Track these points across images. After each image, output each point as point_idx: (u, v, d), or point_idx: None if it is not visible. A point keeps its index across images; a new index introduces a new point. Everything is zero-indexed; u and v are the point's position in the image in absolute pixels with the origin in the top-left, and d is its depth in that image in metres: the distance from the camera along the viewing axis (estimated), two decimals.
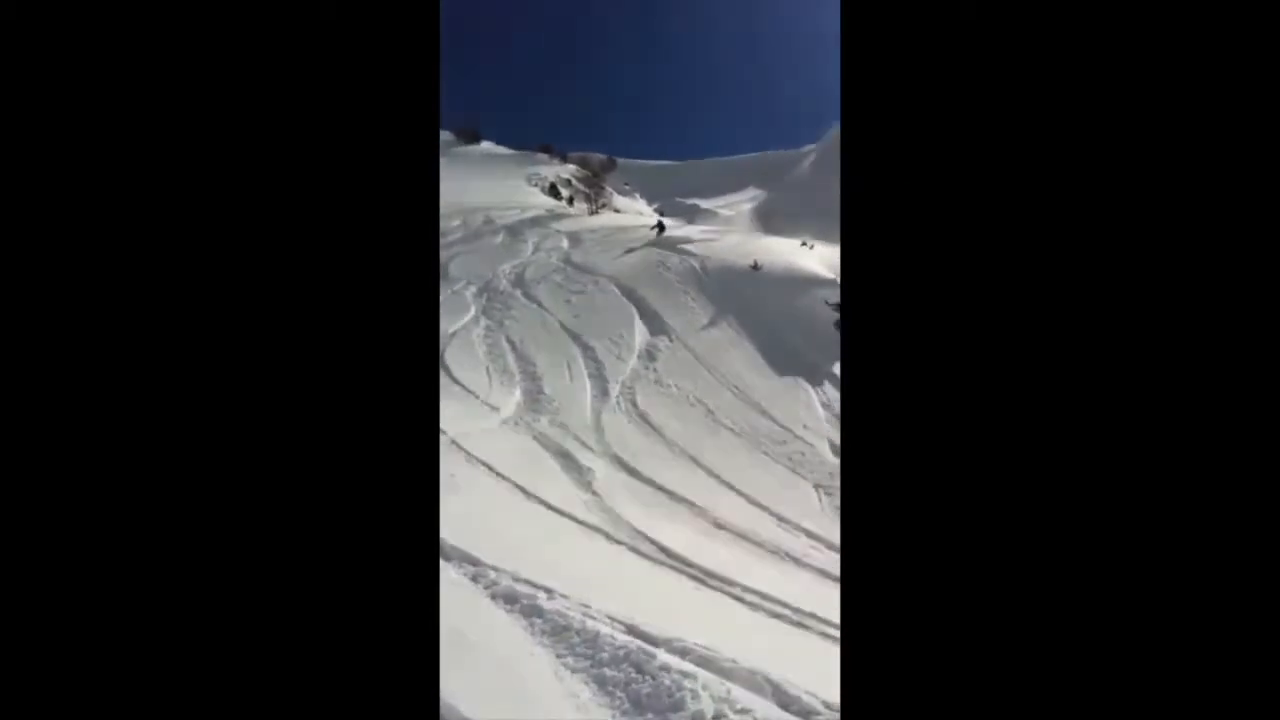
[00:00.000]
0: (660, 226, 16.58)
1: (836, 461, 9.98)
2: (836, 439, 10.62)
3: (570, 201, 31.94)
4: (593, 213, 28.45)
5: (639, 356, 12.77)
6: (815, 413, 11.31)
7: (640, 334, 13.66)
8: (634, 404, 11.04)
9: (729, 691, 3.14)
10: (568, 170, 41.01)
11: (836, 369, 12.60)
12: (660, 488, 8.25)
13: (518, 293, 15.35)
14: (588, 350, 12.79)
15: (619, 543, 6.07)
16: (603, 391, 11.32)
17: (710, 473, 9.12)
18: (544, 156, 44.80)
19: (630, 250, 18.26)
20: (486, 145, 46.81)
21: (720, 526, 7.43)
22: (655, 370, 12.32)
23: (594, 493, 7.52)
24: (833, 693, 3.22)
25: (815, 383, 12.23)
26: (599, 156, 51.40)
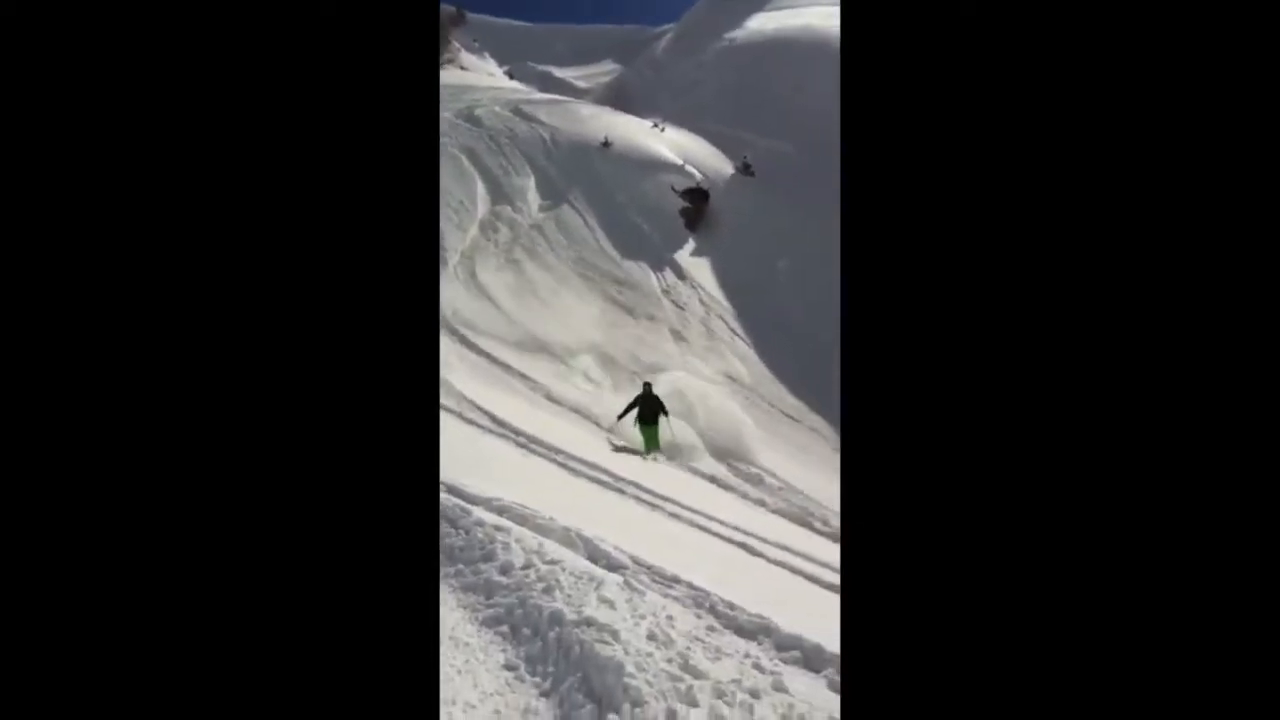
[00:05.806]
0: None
1: (671, 347, 10.35)
2: (676, 324, 10.97)
3: None
4: None
5: (480, 227, 12.26)
6: (657, 299, 11.56)
7: (483, 204, 13.05)
8: (473, 275, 10.69)
9: (541, 545, 3.25)
10: None
11: (679, 256, 12.83)
12: (496, 360, 8.17)
13: None
14: None
15: (448, 410, 6.00)
16: (439, 260, 10.83)
17: (547, 349, 9.15)
18: None
19: (477, 113, 17.13)
20: None
21: (553, 400, 7.54)
22: (496, 242, 11.90)
23: None
24: (641, 549, 3.41)
25: (658, 269, 12.42)
26: (446, 8, 46.66)
